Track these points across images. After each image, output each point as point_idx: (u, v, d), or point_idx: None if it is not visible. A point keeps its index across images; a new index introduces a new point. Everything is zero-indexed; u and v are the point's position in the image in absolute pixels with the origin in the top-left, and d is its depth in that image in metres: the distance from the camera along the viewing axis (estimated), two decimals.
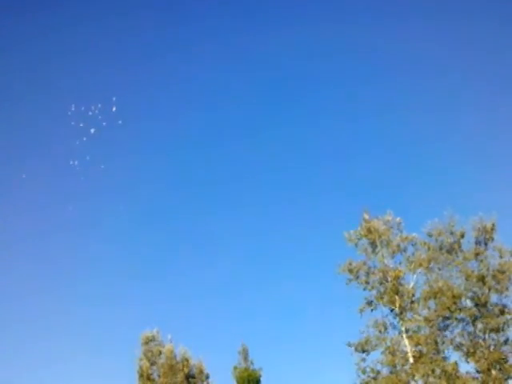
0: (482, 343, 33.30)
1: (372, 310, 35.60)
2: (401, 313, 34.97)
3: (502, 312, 33.54)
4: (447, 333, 34.42)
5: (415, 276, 35.62)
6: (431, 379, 32.73)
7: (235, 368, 42.38)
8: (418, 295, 35.32)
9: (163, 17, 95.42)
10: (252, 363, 42.52)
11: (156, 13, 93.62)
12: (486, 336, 33.46)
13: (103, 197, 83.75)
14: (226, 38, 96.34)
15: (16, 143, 79.97)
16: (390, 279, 35.30)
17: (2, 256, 71.79)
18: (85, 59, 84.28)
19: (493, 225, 34.91)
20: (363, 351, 34.86)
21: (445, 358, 33.77)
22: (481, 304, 33.73)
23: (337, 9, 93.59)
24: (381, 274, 35.69)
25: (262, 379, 42.29)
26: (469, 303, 34.17)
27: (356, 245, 36.92)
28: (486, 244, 34.93)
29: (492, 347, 33.17)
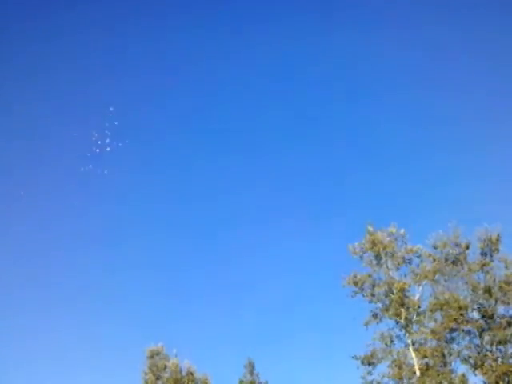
0: (490, 355, 32.99)
1: (377, 323, 35.45)
2: (407, 325, 34.76)
3: (510, 324, 33.26)
4: (454, 345, 34.22)
5: (421, 288, 35.50)
6: None
7: (241, 382, 42.20)
8: (423, 307, 35.19)
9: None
10: (258, 377, 42.35)
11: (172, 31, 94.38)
12: (494, 348, 33.16)
13: (107, 203, 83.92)
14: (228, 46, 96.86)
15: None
16: (395, 291, 35.12)
17: (10, 264, 71.95)
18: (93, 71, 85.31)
19: (498, 236, 34.69)
20: (369, 364, 34.64)
21: (452, 371, 33.52)
22: (488, 316, 33.46)
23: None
24: (386, 286, 35.53)
25: None
26: (475, 315, 33.93)
27: (361, 257, 36.85)
28: (491, 255, 34.69)
29: (500, 359, 32.87)
